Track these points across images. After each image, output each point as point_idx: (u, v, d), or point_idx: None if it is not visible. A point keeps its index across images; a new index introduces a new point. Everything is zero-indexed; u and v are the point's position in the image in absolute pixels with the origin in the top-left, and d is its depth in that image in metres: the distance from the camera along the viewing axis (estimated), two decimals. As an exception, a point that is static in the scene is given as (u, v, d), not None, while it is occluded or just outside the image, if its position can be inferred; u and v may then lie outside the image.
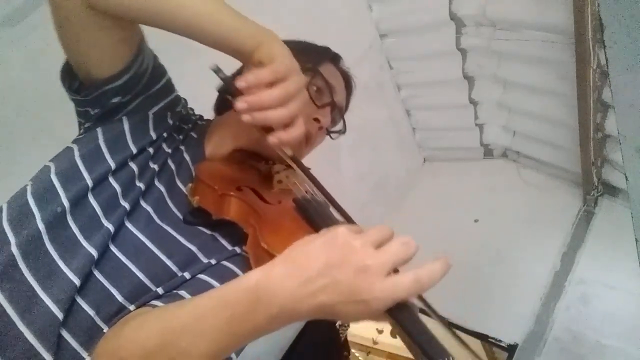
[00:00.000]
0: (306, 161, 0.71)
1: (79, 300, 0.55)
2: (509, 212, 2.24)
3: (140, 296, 0.57)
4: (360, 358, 4.35)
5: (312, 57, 0.77)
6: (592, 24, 1.38)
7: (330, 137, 0.83)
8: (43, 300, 0.53)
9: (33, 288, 0.53)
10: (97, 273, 0.56)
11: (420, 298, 0.45)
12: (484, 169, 2.50)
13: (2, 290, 0.53)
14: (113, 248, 0.59)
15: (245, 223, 0.61)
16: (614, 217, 1.99)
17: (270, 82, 0.55)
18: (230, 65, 0.65)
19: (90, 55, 0.61)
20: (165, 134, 0.70)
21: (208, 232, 0.66)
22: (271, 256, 0.47)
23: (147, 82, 0.68)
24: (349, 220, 0.60)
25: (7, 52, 1.09)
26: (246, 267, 0.62)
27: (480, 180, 2.45)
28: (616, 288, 1.82)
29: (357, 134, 2.21)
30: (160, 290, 0.58)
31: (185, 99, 0.79)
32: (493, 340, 1.93)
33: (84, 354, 0.53)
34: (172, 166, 0.69)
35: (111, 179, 0.62)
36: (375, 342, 4.30)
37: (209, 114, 0.85)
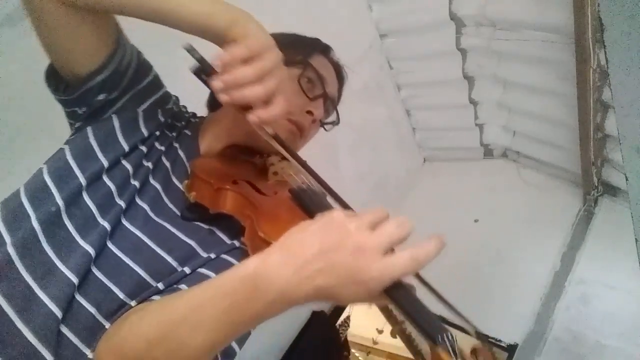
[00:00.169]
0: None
1: (79, 298, 0.55)
2: (509, 212, 2.24)
3: (141, 292, 0.57)
4: (360, 358, 4.34)
5: (302, 49, 0.76)
6: (592, 24, 1.38)
7: (324, 129, 0.83)
8: (41, 299, 0.53)
9: (30, 286, 0.54)
10: (96, 271, 0.57)
11: (418, 276, 0.46)
12: (484, 169, 2.50)
13: None
14: (111, 246, 0.59)
15: (242, 215, 0.61)
16: (614, 217, 1.99)
17: (245, 58, 0.54)
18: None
19: (68, 52, 0.61)
20: (157, 132, 0.70)
21: (206, 227, 0.66)
22: (269, 245, 0.47)
23: (132, 78, 0.68)
24: (345, 207, 0.60)
25: (7, 52, 1.09)
26: (245, 259, 0.62)
27: (480, 180, 2.46)
28: (616, 288, 1.82)
29: (357, 134, 2.21)
30: (160, 286, 0.58)
31: (176, 96, 0.79)
32: (493, 340, 1.93)
33: (86, 351, 0.53)
34: (167, 163, 0.69)
35: (105, 178, 0.62)
36: (375, 342, 4.30)
37: (202, 110, 0.85)
